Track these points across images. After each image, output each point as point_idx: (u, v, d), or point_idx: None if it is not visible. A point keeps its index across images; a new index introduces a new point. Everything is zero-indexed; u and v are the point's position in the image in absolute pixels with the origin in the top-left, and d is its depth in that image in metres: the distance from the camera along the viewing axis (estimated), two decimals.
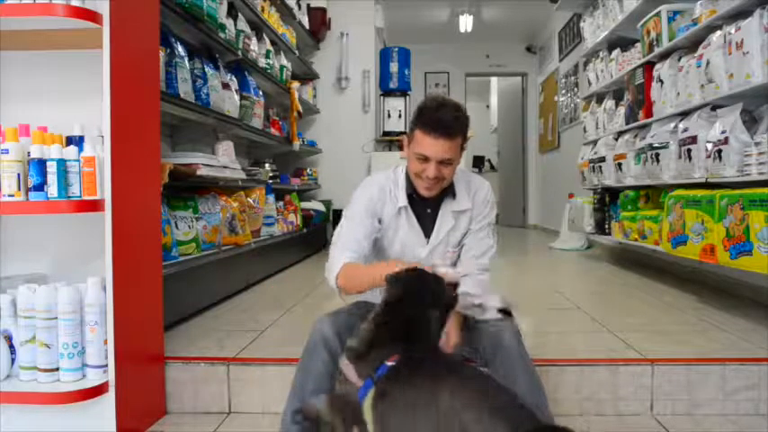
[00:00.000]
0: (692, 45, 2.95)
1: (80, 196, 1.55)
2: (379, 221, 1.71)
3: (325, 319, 1.57)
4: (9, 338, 1.59)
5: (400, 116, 5.67)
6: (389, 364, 1.19)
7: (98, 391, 1.56)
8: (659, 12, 3.34)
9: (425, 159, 1.59)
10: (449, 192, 1.72)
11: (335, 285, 1.57)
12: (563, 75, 6.97)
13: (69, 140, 1.62)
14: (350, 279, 1.53)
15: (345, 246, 1.63)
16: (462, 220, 1.74)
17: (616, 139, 4.10)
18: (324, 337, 1.53)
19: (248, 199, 3.45)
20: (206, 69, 2.97)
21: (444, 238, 1.73)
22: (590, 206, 4.60)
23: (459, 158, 1.65)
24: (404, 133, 5.19)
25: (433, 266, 1.40)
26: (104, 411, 1.58)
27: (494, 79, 10.36)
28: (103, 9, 1.55)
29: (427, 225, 1.73)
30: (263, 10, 4.10)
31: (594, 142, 4.60)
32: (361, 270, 1.53)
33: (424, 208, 1.73)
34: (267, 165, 4.32)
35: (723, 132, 2.49)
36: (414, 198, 1.72)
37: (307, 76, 5.62)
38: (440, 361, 1.23)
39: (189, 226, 2.59)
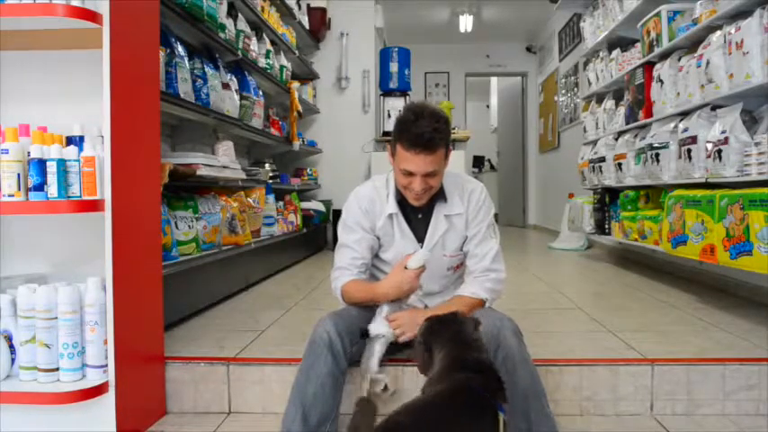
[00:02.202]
0: (692, 45, 2.95)
1: (80, 196, 1.55)
2: (373, 230, 1.73)
3: (328, 320, 1.58)
4: (9, 338, 1.59)
5: None
6: None
7: (98, 391, 1.56)
8: (659, 12, 3.34)
9: (410, 174, 1.60)
10: (439, 196, 1.72)
11: (340, 297, 1.74)
12: (563, 75, 6.96)
13: (69, 140, 1.62)
14: (350, 296, 1.72)
15: (345, 263, 1.72)
16: (457, 223, 1.74)
17: (616, 139, 4.10)
18: (326, 338, 1.53)
19: (248, 199, 3.45)
20: (206, 69, 2.97)
21: (439, 242, 1.73)
22: (590, 206, 4.60)
23: (446, 164, 1.66)
24: None
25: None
26: (104, 411, 1.58)
27: (494, 79, 10.37)
28: (103, 9, 1.55)
29: (420, 230, 1.73)
30: (263, 10, 4.10)
31: (594, 142, 4.60)
32: (360, 290, 1.70)
33: (416, 213, 1.73)
34: (267, 165, 4.32)
35: (723, 132, 2.49)
36: (405, 204, 1.72)
37: (307, 76, 5.61)
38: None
39: (189, 226, 2.59)
